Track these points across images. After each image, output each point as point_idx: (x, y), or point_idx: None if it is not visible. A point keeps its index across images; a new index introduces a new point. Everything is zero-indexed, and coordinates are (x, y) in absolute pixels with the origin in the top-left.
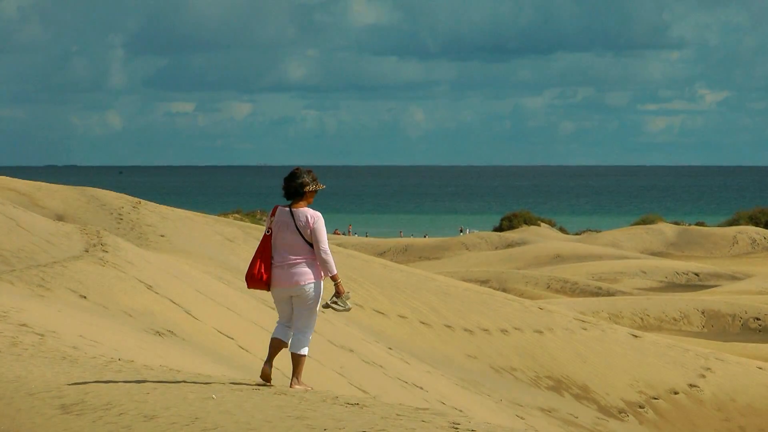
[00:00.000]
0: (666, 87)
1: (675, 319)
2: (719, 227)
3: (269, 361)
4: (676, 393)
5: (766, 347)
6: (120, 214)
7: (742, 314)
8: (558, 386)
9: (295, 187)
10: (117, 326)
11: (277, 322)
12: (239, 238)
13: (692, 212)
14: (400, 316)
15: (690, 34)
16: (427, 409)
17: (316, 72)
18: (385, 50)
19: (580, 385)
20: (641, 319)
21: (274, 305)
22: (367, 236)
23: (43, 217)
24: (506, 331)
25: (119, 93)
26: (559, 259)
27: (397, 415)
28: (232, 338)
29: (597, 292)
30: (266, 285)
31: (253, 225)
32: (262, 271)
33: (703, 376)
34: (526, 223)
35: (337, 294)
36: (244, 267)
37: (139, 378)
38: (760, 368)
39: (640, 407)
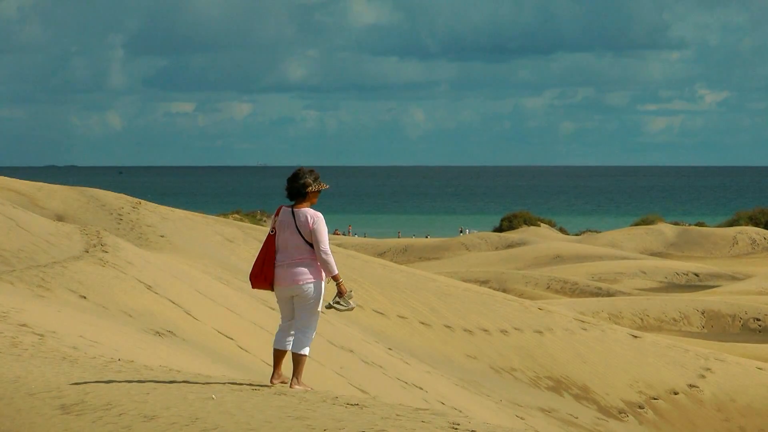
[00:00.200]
0: (666, 87)
1: (675, 320)
2: (719, 227)
3: (276, 370)
4: (675, 393)
5: (766, 347)
6: (120, 215)
7: (742, 314)
8: (558, 386)
9: (297, 187)
10: (117, 326)
11: (278, 327)
12: (239, 239)
13: (692, 212)
14: (400, 317)
15: (690, 34)
16: (427, 409)
17: (316, 72)
18: (385, 50)
19: (579, 386)
20: (641, 319)
21: (274, 305)
22: (365, 236)
23: (43, 218)
24: (506, 332)
25: (119, 93)
26: (559, 259)
27: (397, 415)
28: (232, 338)
29: (597, 293)
30: (269, 285)
31: (253, 225)
32: (265, 270)
33: (703, 377)
34: (526, 224)
35: (340, 294)
36: (244, 267)
37: (139, 378)
38: (760, 369)
39: (640, 407)
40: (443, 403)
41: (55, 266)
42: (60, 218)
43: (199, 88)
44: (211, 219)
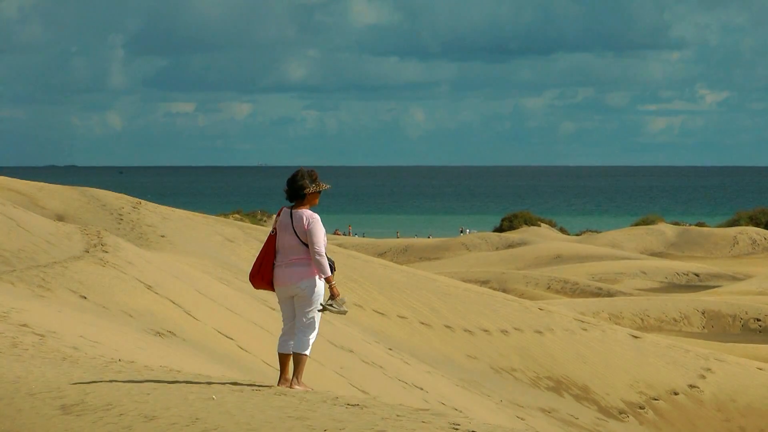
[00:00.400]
0: (666, 87)
1: (675, 320)
2: (719, 228)
3: (283, 375)
4: (676, 393)
5: (767, 348)
6: (120, 215)
7: (743, 315)
8: (558, 387)
9: (295, 189)
10: (117, 327)
11: (281, 331)
12: (239, 239)
13: (692, 213)
14: (400, 317)
15: (690, 34)
16: (428, 409)
17: (317, 72)
18: (385, 50)
19: (580, 386)
20: (641, 319)
21: (274, 305)
22: (363, 236)
23: (43, 218)
24: (506, 332)
25: (119, 93)
26: (559, 259)
27: (398, 415)
28: (232, 339)
29: (597, 293)
30: (268, 284)
31: (254, 225)
32: (263, 270)
33: (704, 377)
34: (527, 224)
35: (332, 296)
36: (245, 267)
37: (140, 378)
38: (760, 369)
39: (640, 408)
40: (443, 404)
41: (56, 266)
42: (60, 218)
43: (199, 88)
44: (211, 219)
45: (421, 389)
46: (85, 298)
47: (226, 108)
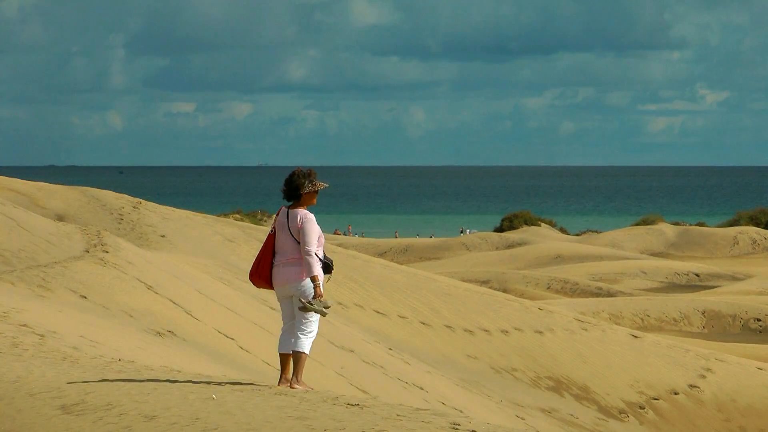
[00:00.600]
0: (667, 87)
1: (675, 320)
2: (720, 227)
3: (284, 374)
4: (676, 393)
5: (767, 348)
6: (120, 215)
7: (743, 315)
8: (558, 387)
9: (291, 189)
10: (117, 326)
11: (281, 331)
12: (239, 239)
13: (693, 212)
14: (401, 317)
15: (691, 34)
16: (428, 409)
17: (317, 72)
18: (385, 50)
19: (580, 386)
20: (641, 319)
21: (274, 305)
22: (362, 236)
23: (43, 218)
24: (506, 332)
25: (120, 93)
26: (559, 259)
27: (398, 415)
28: (233, 338)
29: (597, 293)
30: (268, 283)
31: (254, 225)
32: (261, 269)
33: (704, 377)
34: (527, 224)
35: (315, 296)
36: (245, 267)
37: (140, 378)
38: (761, 369)
39: (641, 408)
40: (444, 404)
41: (56, 266)
42: (60, 218)
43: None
44: (211, 219)
45: (422, 389)
46: (86, 298)
47: (227, 108)
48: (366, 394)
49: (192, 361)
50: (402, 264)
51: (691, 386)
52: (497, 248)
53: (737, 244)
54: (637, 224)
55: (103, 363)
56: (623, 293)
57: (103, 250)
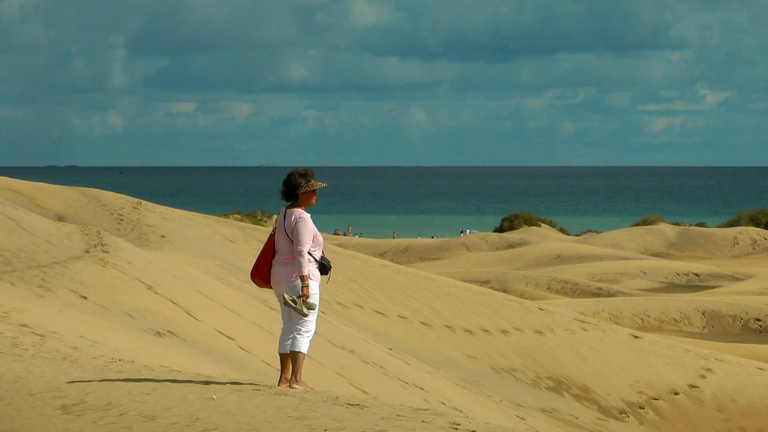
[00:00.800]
0: (667, 87)
1: (675, 320)
2: (720, 228)
3: (284, 374)
4: (676, 393)
5: (767, 348)
6: (120, 215)
7: (743, 315)
8: (558, 387)
9: (288, 189)
10: (117, 327)
11: (281, 331)
12: (239, 239)
13: (693, 213)
14: (401, 317)
15: (691, 34)
16: (428, 409)
17: (317, 72)
18: (385, 51)
19: (580, 386)
20: (642, 319)
21: (274, 305)
22: (360, 236)
23: (43, 218)
24: (507, 332)
25: (120, 93)
26: (559, 259)
27: (398, 415)
28: (233, 339)
29: (597, 293)
30: (268, 283)
31: (254, 226)
32: (260, 269)
33: (704, 377)
34: (527, 224)
35: (300, 295)
36: (245, 267)
37: (140, 378)
38: (761, 369)
39: (641, 408)
40: (444, 404)
41: (56, 266)
42: (60, 218)
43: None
44: (211, 219)
45: (422, 389)
46: (86, 298)
47: (227, 108)
48: (366, 394)
49: (192, 361)
50: (402, 264)
51: (691, 386)
52: (497, 248)
53: (737, 244)
54: (637, 224)
55: (103, 363)
56: (623, 293)
57: (103, 251)
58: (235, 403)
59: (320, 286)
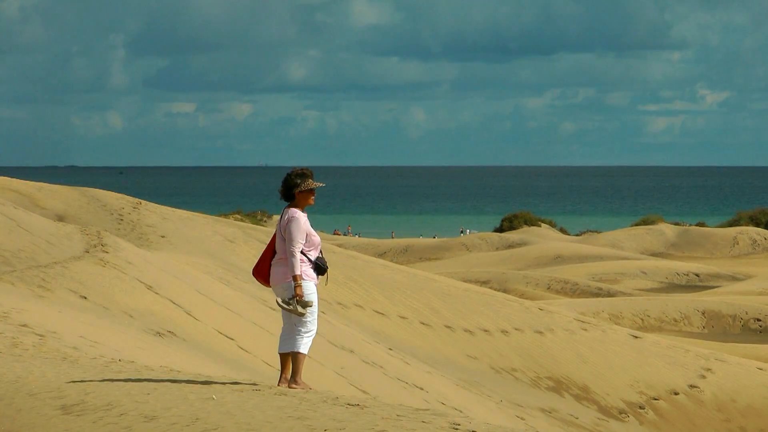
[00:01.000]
0: (667, 87)
1: (675, 320)
2: (720, 228)
3: (284, 374)
4: (676, 393)
5: (767, 348)
6: (120, 215)
7: (743, 315)
8: (558, 387)
9: (286, 189)
10: (117, 327)
11: (282, 331)
12: (239, 239)
13: (693, 213)
14: (401, 317)
15: (691, 34)
16: (428, 409)
17: (317, 72)
18: (386, 51)
19: (580, 386)
20: (642, 319)
21: (274, 306)
22: (359, 236)
23: (43, 218)
24: (507, 332)
25: (120, 93)
26: (559, 259)
27: (398, 415)
28: (233, 339)
29: (597, 293)
30: (268, 281)
31: (254, 226)
32: (260, 267)
33: (704, 377)
34: (527, 224)
35: (294, 296)
36: (245, 267)
37: (140, 378)
38: (761, 369)
39: (641, 408)
40: (444, 404)
41: (56, 266)
42: (60, 218)
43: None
44: (211, 219)
45: (422, 389)
46: (86, 298)
47: (227, 108)
48: (366, 395)
49: (192, 361)
50: (402, 264)
51: (691, 386)
52: (497, 248)
53: (737, 244)
54: (637, 224)
55: (103, 363)
56: (623, 293)
57: (103, 251)
58: (235, 403)
59: (318, 286)
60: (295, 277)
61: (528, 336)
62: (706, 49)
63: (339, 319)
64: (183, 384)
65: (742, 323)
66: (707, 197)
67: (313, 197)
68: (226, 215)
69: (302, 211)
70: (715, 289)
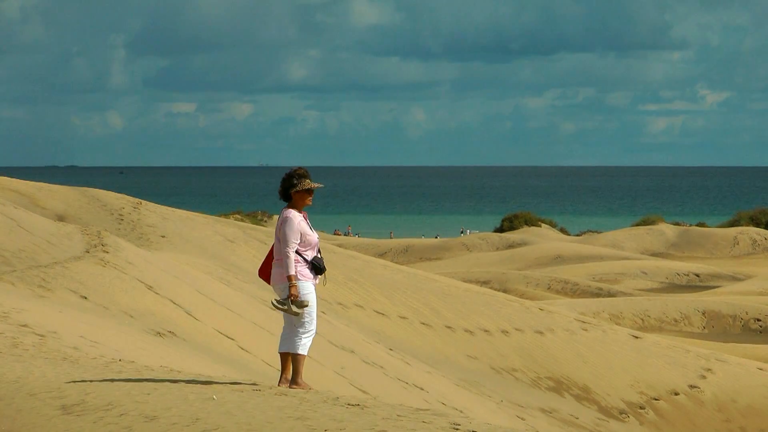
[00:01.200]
0: (667, 87)
1: (676, 320)
2: (720, 228)
3: (284, 374)
4: (676, 394)
5: (767, 348)
6: (121, 215)
7: (743, 315)
8: (558, 387)
9: (283, 190)
10: (118, 327)
11: (282, 330)
12: (240, 239)
13: (693, 213)
14: (401, 317)
15: (691, 34)
16: (428, 409)
17: (318, 72)
18: (386, 51)
19: (580, 386)
20: (642, 320)
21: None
22: (358, 236)
23: (43, 218)
24: (507, 332)
25: (120, 93)
26: (559, 259)
27: (398, 415)
28: (233, 339)
29: (598, 293)
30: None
31: (254, 226)
32: (263, 267)
33: (704, 377)
34: (527, 224)
35: (289, 296)
36: (245, 267)
37: (140, 378)
38: (761, 369)
39: (641, 408)
40: (444, 404)
41: (56, 266)
42: (61, 218)
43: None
44: (211, 219)
45: (422, 389)
46: (86, 298)
47: (227, 108)
48: (366, 395)
49: (192, 361)
50: (402, 264)
51: (692, 386)
52: (497, 248)
53: (737, 244)
54: (637, 224)
55: (103, 363)
56: (623, 293)
57: (104, 251)
58: (236, 403)
59: (317, 286)
60: (289, 278)
61: (528, 336)
62: (706, 50)
63: (339, 319)
64: (183, 384)
65: (742, 323)
66: (707, 197)
67: (310, 197)
68: (226, 215)
69: (300, 212)
70: (716, 290)
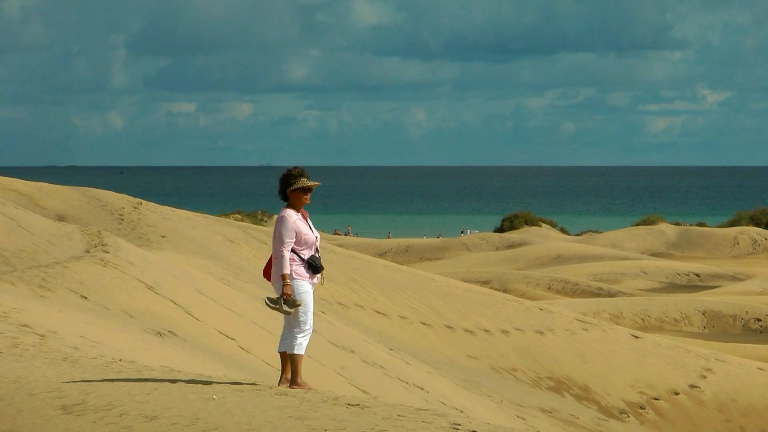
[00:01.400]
0: (668, 87)
1: (676, 320)
2: (720, 228)
3: (284, 374)
4: (676, 394)
5: (767, 348)
6: (121, 215)
7: (743, 315)
8: (559, 387)
9: (281, 189)
10: (118, 327)
11: (283, 329)
12: (240, 239)
13: (693, 213)
14: (401, 317)
15: (692, 34)
16: (428, 409)
17: (318, 72)
18: (386, 50)
19: (580, 386)
20: (642, 319)
21: None
22: (357, 236)
23: (44, 218)
24: (507, 332)
25: (121, 93)
26: (560, 259)
27: (398, 415)
28: (233, 339)
29: (598, 293)
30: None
31: (254, 226)
32: (266, 267)
33: (704, 377)
34: (527, 224)
35: (281, 294)
36: (246, 267)
37: (140, 378)
38: (761, 369)
39: (641, 408)
40: (444, 404)
41: (56, 266)
42: (61, 218)
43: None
44: (212, 219)
45: (422, 389)
46: (86, 298)
47: (228, 108)
48: (366, 395)
49: (192, 361)
50: (402, 264)
51: (692, 386)
52: (498, 248)
53: (738, 244)
54: (637, 224)
55: (103, 363)
56: (624, 293)
57: (104, 251)
58: (236, 403)
59: (317, 286)
60: (283, 276)
61: (528, 336)
62: (706, 49)
63: (339, 319)
64: (183, 384)
65: (742, 323)
66: (707, 197)
67: (307, 196)
68: (226, 215)
69: (298, 211)
70: (716, 289)
